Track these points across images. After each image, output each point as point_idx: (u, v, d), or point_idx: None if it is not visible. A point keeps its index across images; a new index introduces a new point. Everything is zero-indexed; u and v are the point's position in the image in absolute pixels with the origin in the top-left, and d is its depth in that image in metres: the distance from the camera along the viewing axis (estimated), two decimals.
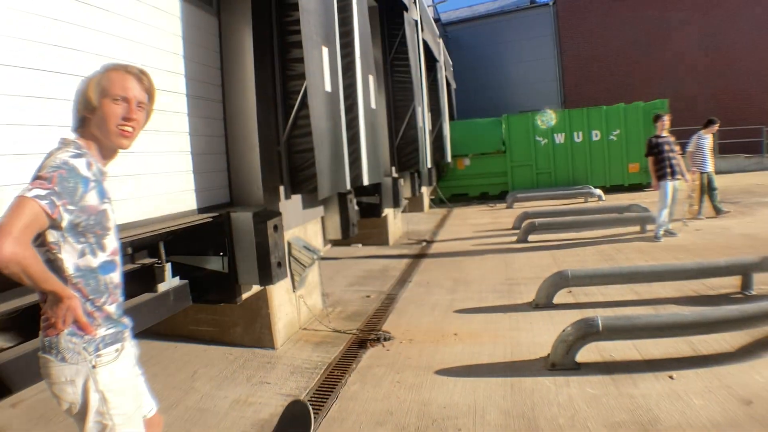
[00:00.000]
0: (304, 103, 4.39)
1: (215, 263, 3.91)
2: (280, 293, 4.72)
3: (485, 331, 4.73)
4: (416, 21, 10.95)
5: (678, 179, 8.09)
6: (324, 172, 4.39)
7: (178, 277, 3.72)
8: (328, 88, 4.67)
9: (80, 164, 1.65)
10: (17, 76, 2.53)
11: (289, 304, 4.94)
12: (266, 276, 3.83)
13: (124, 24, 3.25)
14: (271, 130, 4.41)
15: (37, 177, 1.57)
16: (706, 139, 9.64)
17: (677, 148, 8.25)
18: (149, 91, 1.84)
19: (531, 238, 8.93)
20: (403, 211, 10.74)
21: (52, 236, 1.64)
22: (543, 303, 5.27)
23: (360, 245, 9.56)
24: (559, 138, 15.87)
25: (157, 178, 3.54)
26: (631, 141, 15.29)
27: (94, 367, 1.70)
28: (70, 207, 1.59)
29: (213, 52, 4.31)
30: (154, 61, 3.52)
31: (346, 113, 5.34)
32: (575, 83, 24.73)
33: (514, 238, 9.14)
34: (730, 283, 5.45)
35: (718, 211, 9.81)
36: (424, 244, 9.61)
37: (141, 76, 1.80)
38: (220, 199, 4.31)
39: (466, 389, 3.65)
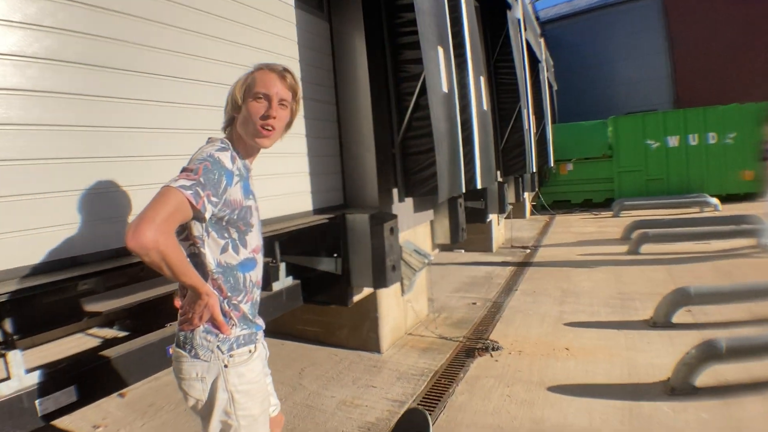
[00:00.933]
0: (418, 105, 4.31)
1: (328, 264, 3.92)
2: (388, 297, 4.68)
3: (599, 348, 4.45)
4: (519, 20, 10.62)
5: None
6: (443, 175, 4.30)
7: (291, 277, 3.76)
8: (444, 89, 4.57)
9: (225, 157, 1.66)
10: (170, 87, 2.74)
11: (396, 308, 4.89)
12: (380, 279, 3.79)
13: (251, 33, 3.42)
14: (385, 132, 4.38)
15: (183, 169, 1.59)
16: None
17: None
18: (293, 89, 1.81)
19: (643, 249, 8.37)
20: (506, 217, 10.45)
21: (196, 230, 1.66)
22: (661, 322, 4.88)
23: (462, 251, 9.41)
24: (673, 141, 14.72)
25: (277, 180, 3.60)
26: (746, 145, 13.81)
27: (225, 366, 1.70)
28: (213, 199, 1.58)
29: (325, 55, 4.36)
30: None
31: (460, 114, 5.22)
32: (688, 80, 22.29)
33: (624, 249, 8.60)
34: None
35: None
36: (528, 251, 9.29)
37: (284, 73, 1.78)
38: (334, 201, 4.33)
39: (581, 410, 3.42)
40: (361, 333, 4.68)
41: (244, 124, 1.75)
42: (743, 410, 3.26)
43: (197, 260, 1.68)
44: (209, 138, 1.79)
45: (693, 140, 14.41)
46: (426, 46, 4.20)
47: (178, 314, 1.78)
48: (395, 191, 4.57)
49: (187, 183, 1.52)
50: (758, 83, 19.25)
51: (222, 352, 1.69)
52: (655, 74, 23.47)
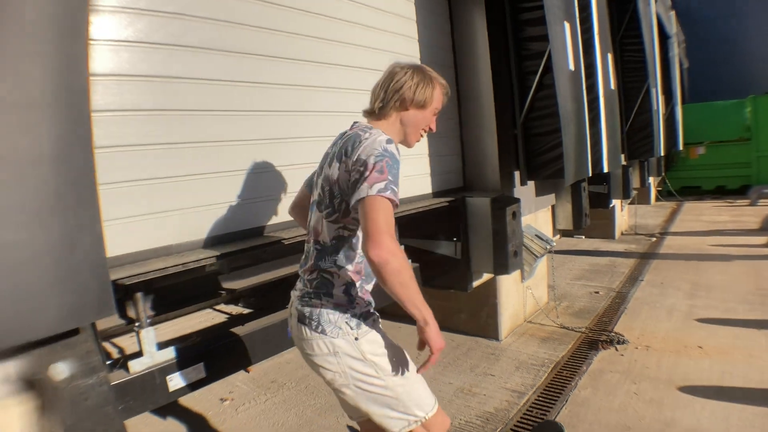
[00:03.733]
0: (542, 84, 4.12)
1: (447, 248, 3.87)
2: (508, 283, 4.56)
3: (736, 347, 4.04)
4: None
5: None
6: (570, 157, 4.09)
7: (410, 260, 3.74)
8: (571, 66, 4.33)
9: (395, 149, 1.69)
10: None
11: (516, 294, 4.76)
12: (502, 265, 3.69)
13: (370, 14, 3.46)
14: (506, 113, 4.24)
15: (366, 168, 1.60)
16: None
17: None
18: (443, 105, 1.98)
19: None
20: (630, 203, 9.87)
21: (354, 212, 1.69)
22: None
23: (582, 237, 9.04)
24: None
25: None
26: None
27: (356, 339, 1.73)
28: (397, 191, 1.64)
29: (445, 34, 4.28)
30: (394, 45, 3.62)
31: (586, 94, 4.94)
32: None
33: (763, 241, 7.79)
34: None
35: None
36: (655, 239, 8.69)
37: (449, 94, 1.97)
38: (453, 184, 4.27)
39: (717, 415, 3.11)
40: (479, 319, 4.60)
41: (415, 123, 1.87)
42: None
43: (345, 244, 1.74)
44: (365, 126, 1.81)
45: None
46: (552, 21, 3.99)
47: (300, 289, 1.84)
48: (517, 174, 4.40)
49: (382, 185, 1.56)
50: None
51: (351, 328, 1.73)
52: None
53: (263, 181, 2.67)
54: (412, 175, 3.77)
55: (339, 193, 1.71)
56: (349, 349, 1.72)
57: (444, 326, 4.75)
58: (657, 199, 13.97)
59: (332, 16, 3.07)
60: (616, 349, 4.16)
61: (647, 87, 8.39)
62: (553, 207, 5.64)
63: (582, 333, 4.57)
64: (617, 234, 9.10)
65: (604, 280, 6.30)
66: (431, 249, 3.94)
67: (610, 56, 6.26)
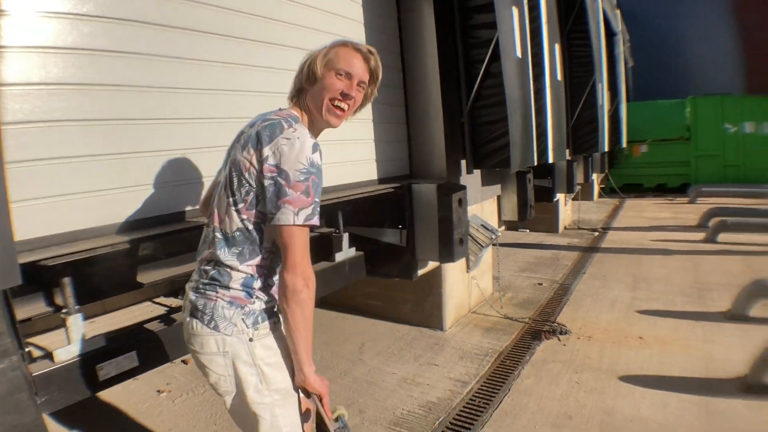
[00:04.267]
0: (489, 73, 4.09)
1: (393, 236, 3.80)
2: (453, 272, 4.53)
3: (675, 339, 4.15)
4: None
5: None
6: (516, 144, 4.08)
7: (354, 248, 3.65)
8: (518, 54, 4.31)
9: (320, 158, 1.58)
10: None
11: (461, 284, 4.73)
12: (447, 253, 3.63)
13: None
14: (453, 101, 4.19)
15: (291, 185, 1.49)
16: None
17: None
18: (374, 73, 1.74)
19: (721, 238, 7.80)
20: (573, 198, 10.06)
21: (263, 206, 1.55)
22: (739, 314, 4.50)
23: (527, 230, 9.16)
24: (750, 127, 13.69)
25: (340, 146, 3.49)
26: None
27: (251, 340, 1.57)
28: (318, 210, 1.58)
29: (391, 19, 4.20)
30: (337, 28, 3.51)
31: (533, 83, 4.94)
32: (759, 66, 20.88)
33: (701, 237, 8.04)
34: None
35: None
36: (597, 234, 8.91)
37: (369, 56, 1.70)
38: (399, 171, 4.20)
39: (656, 404, 3.18)
40: (424, 309, 4.56)
41: (317, 98, 1.67)
42: None
43: (249, 237, 1.59)
44: (288, 114, 1.65)
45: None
46: (500, 5, 3.95)
47: (195, 279, 1.68)
48: (463, 162, 4.37)
49: (309, 210, 1.52)
50: None
51: (247, 326, 1.57)
52: (726, 57, 21.83)
53: (199, 162, 2.52)
54: (357, 160, 3.68)
55: (247, 183, 1.56)
56: (241, 351, 1.57)
57: (389, 316, 4.77)
58: (600, 196, 14.31)
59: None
60: (559, 339, 4.20)
61: (593, 82, 8.50)
62: (498, 198, 5.65)
63: (525, 323, 4.60)
64: (561, 228, 9.27)
65: (548, 273, 6.38)
66: (376, 237, 3.86)
67: (557, 47, 6.31)
